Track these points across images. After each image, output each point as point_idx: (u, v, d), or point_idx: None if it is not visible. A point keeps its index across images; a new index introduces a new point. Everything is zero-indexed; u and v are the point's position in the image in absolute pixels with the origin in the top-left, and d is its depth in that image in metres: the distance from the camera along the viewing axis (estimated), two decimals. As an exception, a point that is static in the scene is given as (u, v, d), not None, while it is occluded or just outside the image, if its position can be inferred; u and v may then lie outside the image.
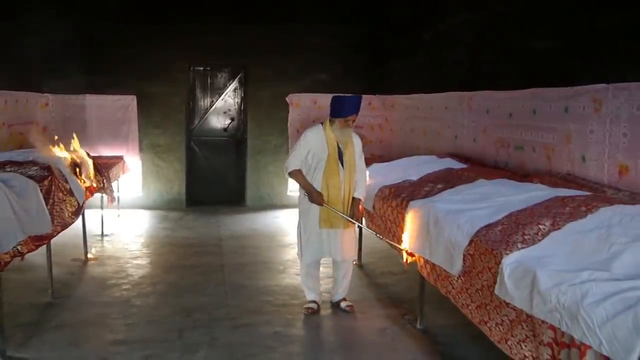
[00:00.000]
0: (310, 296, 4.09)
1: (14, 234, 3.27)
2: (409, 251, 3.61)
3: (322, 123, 4.03)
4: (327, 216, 3.94)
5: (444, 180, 4.17)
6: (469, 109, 5.46)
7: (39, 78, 7.04)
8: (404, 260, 3.70)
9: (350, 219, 3.97)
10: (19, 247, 3.33)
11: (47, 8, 6.88)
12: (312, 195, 3.91)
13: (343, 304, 4.08)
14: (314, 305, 4.03)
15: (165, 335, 3.58)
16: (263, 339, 3.57)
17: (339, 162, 3.95)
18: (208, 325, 3.75)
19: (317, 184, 3.95)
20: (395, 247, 3.84)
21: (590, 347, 1.99)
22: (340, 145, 3.96)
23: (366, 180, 4.27)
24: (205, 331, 3.66)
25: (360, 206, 4.13)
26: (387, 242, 3.97)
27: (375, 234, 4.13)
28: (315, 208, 3.95)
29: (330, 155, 3.93)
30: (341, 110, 3.91)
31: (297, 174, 3.96)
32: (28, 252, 3.47)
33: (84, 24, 7.25)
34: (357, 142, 4.09)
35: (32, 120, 6.78)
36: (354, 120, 3.96)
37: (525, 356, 2.37)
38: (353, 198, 4.05)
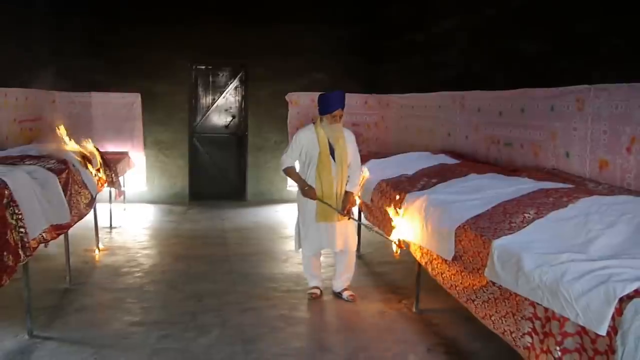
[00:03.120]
0: (312, 283, 4.33)
1: (39, 222, 3.51)
2: (399, 242, 3.80)
3: (314, 122, 4.23)
4: (322, 210, 4.12)
5: (438, 175, 4.43)
6: (461, 107, 5.73)
7: (47, 76, 7.24)
8: (395, 251, 3.87)
9: (340, 211, 4.11)
10: (43, 234, 3.57)
11: (55, 8, 7.09)
12: (305, 190, 4.12)
13: (345, 294, 4.24)
14: (317, 291, 4.28)
15: (180, 318, 3.84)
16: (270, 320, 3.84)
17: (331, 157, 4.12)
18: (219, 309, 4.02)
19: (311, 180, 4.13)
20: (385, 237, 4.04)
21: (568, 319, 2.26)
22: (331, 141, 4.12)
23: (361, 174, 4.42)
24: (217, 314, 3.92)
25: (351, 199, 4.25)
26: (378, 233, 4.19)
27: (366, 227, 4.29)
28: (311, 203, 4.14)
29: (322, 152, 4.10)
30: (327, 107, 4.08)
31: (290, 171, 4.21)
32: (51, 239, 3.70)
33: (90, 24, 7.50)
34: (348, 137, 4.24)
35: (41, 117, 6.99)
36: (341, 116, 4.11)
37: (505, 330, 2.64)
38: (346, 191, 4.21)
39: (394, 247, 3.85)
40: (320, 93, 4.22)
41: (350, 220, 4.27)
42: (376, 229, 4.19)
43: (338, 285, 4.31)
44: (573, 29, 4.10)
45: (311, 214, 4.16)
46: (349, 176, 4.22)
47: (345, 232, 4.22)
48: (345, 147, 4.17)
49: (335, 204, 4.13)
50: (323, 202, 4.09)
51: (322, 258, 4.46)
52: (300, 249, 4.34)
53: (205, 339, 3.51)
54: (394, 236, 3.84)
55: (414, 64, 6.99)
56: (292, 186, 8.19)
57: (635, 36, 3.52)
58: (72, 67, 7.47)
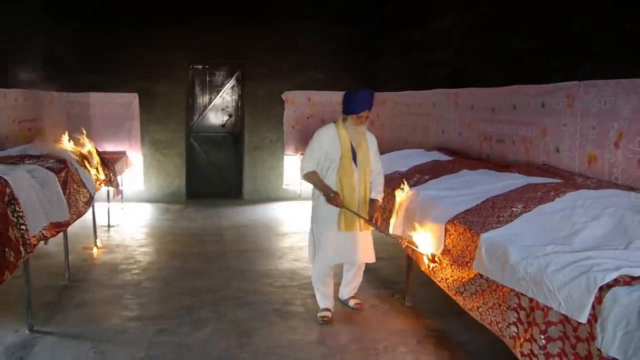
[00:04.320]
0: (323, 304, 3.92)
1: (39, 220, 3.58)
2: (432, 257, 3.40)
3: (334, 122, 3.85)
4: (345, 219, 3.77)
5: (431, 172, 4.51)
6: (455, 105, 5.80)
7: (45, 76, 7.31)
8: (427, 266, 3.47)
9: (369, 221, 3.79)
10: (43, 232, 3.64)
11: (53, 9, 7.16)
12: (330, 196, 3.72)
13: (352, 302, 4.04)
14: (328, 314, 3.86)
15: (176, 313, 3.92)
16: (265, 315, 3.91)
17: (353, 161, 3.78)
18: (214, 304, 4.09)
19: (331, 186, 3.78)
20: (417, 251, 3.57)
21: (551, 308, 2.33)
22: (353, 144, 3.78)
23: (383, 180, 4.02)
24: (212, 309, 3.99)
25: (377, 207, 3.94)
26: (409, 245, 3.65)
27: (396, 238, 3.83)
28: (328, 211, 3.78)
29: (344, 155, 3.74)
30: (353, 106, 3.71)
31: (312, 176, 3.80)
32: (51, 236, 3.77)
33: (88, 25, 7.54)
34: (371, 141, 3.91)
35: (40, 117, 7.06)
36: (367, 117, 3.74)
37: (491, 321, 2.72)
38: (371, 199, 3.89)
39: (426, 261, 3.46)
40: (347, 91, 3.82)
41: (370, 230, 3.90)
42: (407, 241, 3.68)
43: (345, 293, 4.09)
44: (564, 26, 4.17)
45: (330, 222, 3.79)
46: (371, 183, 3.92)
47: (365, 243, 3.89)
48: (367, 151, 3.84)
49: (358, 212, 3.79)
50: (350, 210, 3.74)
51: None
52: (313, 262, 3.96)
53: (201, 333, 3.59)
54: (425, 250, 3.47)
55: (410, 62, 7.06)
56: (288, 184, 8.29)
57: (623, 34, 3.60)
58: (71, 68, 7.55)
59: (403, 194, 3.89)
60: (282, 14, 7.97)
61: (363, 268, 4.07)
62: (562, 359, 2.26)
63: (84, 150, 5.35)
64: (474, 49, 5.52)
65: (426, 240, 3.45)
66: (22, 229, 3.31)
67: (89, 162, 5.25)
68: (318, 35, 8.12)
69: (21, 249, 3.28)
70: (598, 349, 2.04)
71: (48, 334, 3.54)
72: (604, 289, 2.12)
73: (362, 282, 4.44)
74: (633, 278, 2.12)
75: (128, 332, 3.60)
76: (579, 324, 2.18)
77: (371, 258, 3.96)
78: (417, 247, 3.53)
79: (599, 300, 2.11)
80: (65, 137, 5.45)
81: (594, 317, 2.12)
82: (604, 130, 3.68)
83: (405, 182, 4.00)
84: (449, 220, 3.26)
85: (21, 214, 3.32)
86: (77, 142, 5.46)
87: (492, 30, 5.18)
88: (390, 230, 3.94)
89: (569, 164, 4.03)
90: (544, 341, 2.35)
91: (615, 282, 2.12)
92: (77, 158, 5.07)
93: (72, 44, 7.49)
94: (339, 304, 4.13)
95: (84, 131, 5.58)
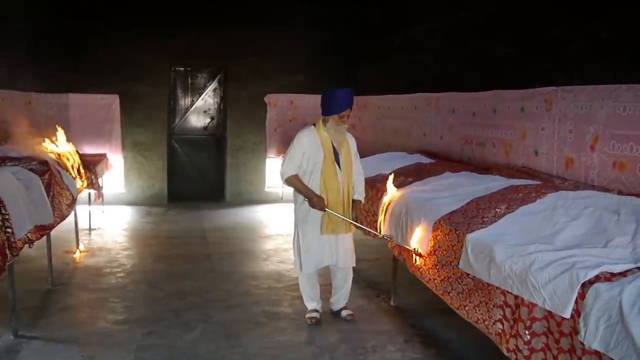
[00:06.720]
0: (311, 305, 3.91)
1: (25, 223, 3.53)
2: (419, 252, 3.42)
3: (314, 124, 3.82)
4: (330, 222, 3.74)
5: (414, 174, 4.60)
6: (436, 108, 5.92)
7: (22, 77, 7.18)
8: (414, 261, 3.47)
9: (355, 223, 3.78)
10: (28, 235, 3.59)
11: (31, 7, 7.04)
12: (313, 200, 3.66)
13: (344, 313, 3.93)
14: (316, 315, 3.87)
15: (164, 315, 3.91)
16: (253, 316, 3.94)
17: (336, 163, 3.75)
18: (202, 306, 4.09)
19: (315, 189, 3.72)
20: (406, 249, 3.58)
21: (536, 305, 2.43)
22: (335, 145, 3.75)
23: (364, 181, 4.01)
24: (200, 311, 4.00)
25: (361, 208, 3.98)
26: (398, 244, 3.69)
27: (385, 238, 3.81)
28: (314, 214, 3.73)
29: (327, 157, 3.71)
30: (334, 107, 3.67)
31: (294, 180, 3.72)
32: (36, 239, 3.72)
33: (68, 25, 7.45)
34: (352, 142, 3.91)
35: (17, 118, 6.91)
36: (348, 116, 3.72)
37: (477, 319, 2.81)
38: (353, 200, 3.88)
39: (414, 257, 3.48)
40: (325, 92, 3.76)
41: (351, 233, 3.91)
42: (398, 240, 3.71)
43: (336, 304, 3.99)
44: (542, 33, 4.31)
45: (314, 225, 3.75)
46: (353, 183, 3.90)
47: (350, 246, 3.88)
48: (349, 152, 3.83)
49: (342, 214, 3.75)
50: (334, 213, 3.69)
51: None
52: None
53: (190, 335, 3.59)
54: (414, 244, 3.49)
55: (391, 66, 7.16)
56: (270, 187, 8.31)
57: (598, 41, 3.74)
58: (49, 68, 7.43)
59: (390, 196, 3.97)
60: (265, 17, 8.00)
61: (351, 275, 3.98)
62: (546, 353, 2.36)
63: (66, 154, 5.27)
64: (455, 53, 5.64)
65: (413, 241, 3.52)
66: (8, 232, 3.26)
67: (71, 165, 5.19)
68: (301, 38, 8.17)
69: (7, 252, 3.23)
70: (581, 343, 2.13)
71: (34, 339, 3.49)
72: (586, 285, 2.21)
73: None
74: (613, 274, 2.22)
75: (116, 335, 3.58)
76: (563, 319, 2.27)
77: (352, 261, 3.93)
78: (406, 246, 3.56)
79: (581, 296, 2.21)
80: (45, 139, 5.36)
81: (577, 313, 2.21)
82: (581, 134, 3.82)
83: (392, 184, 4.07)
84: (435, 222, 3.34)
85: (7, 216, 3.28)
86: (57, 145, 5.39)
87: (472, 35, 5.30)
88: (380, 232, 3.97)
89: (547, 167, 4.16)
90: (528, 336, 2.44)
91: (597, 279, 2.22)
92: (60, 160, 5.01)
93: (52, 43, 7.38)
94: (329, 312, 4.02)
95: (61, 132, 5.50)
